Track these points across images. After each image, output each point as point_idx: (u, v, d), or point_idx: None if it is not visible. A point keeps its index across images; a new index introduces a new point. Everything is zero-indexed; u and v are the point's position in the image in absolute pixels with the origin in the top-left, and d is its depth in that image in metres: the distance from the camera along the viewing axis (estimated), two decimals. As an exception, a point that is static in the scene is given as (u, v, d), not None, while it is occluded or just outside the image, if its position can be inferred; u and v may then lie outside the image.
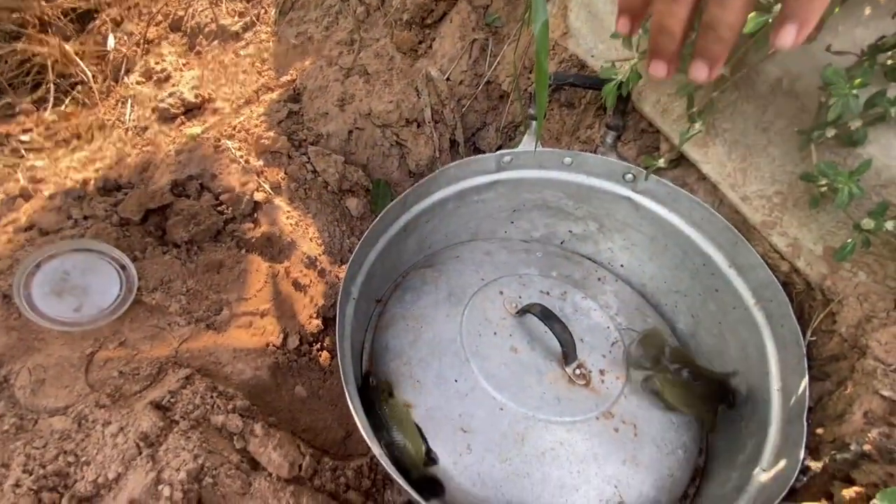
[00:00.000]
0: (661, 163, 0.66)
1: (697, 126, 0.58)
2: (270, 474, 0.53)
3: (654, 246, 0.75)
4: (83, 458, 0.47)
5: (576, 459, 0.50)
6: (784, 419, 0.53)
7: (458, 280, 0.67)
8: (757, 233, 0.61)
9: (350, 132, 0.86)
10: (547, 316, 0.57)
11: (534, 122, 0.73)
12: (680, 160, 0.69)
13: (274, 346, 0.66)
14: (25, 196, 0.74)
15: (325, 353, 0.72)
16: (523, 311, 0.63)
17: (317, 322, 0.72)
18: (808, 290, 0.59)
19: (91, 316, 0.59)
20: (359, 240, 0.75)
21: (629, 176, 0.71)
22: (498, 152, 0.71)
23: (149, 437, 0.49)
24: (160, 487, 0.46)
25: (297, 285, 0.73)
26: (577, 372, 0.59)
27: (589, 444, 0.52)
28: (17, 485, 0.44)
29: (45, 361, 0.54)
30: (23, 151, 0.93)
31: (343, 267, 0.80)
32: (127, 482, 0.46)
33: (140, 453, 0.48)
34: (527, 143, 0.73)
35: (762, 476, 0.50)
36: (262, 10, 1.04)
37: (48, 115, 1.00)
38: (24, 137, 0.95)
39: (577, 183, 0.75)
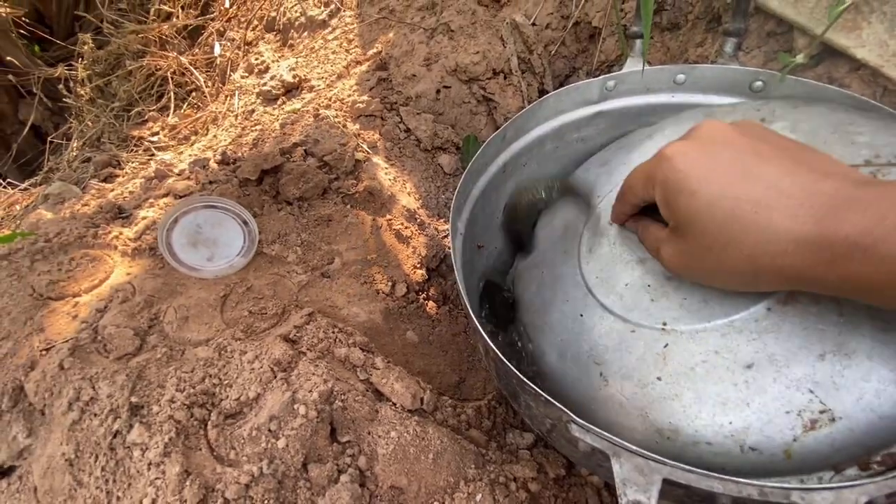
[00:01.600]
0: (801, 58, 0.57)
1: (850, -3, 0.49)
2: (395, 404, 0.52)
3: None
4: (226, 381, 0.50)
5: (739, 367, 0.39)
6: None
7: (571, 211, 0.63)
8: (942, 115, 0.50)
9: (438, 91, 0.86)
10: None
11: (637, 41, 0.67)
12: (822, 54, 0.59)
13: (383, 292, 0.67)
14: (160, 176, 0.82)
15: (430, 303, 0.71)
16: (643, 211, 0.54)
17: (421, 272, 0.72)
18: None
19: (221, 265, 0.63)
20: (453, 194, 0.74)
21: (758, 84, 0.62)
22: (601, 77, 0.66)
23: (281, 363, 0.51)
24: (296, 406, 0.47)
25: (399, 237, 0.73)
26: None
27: (758, 344, 0.38)
28: (171, 400, 0.47)
29: (187, 302, 0.58)
30: (153, 150, 1.05)
31: (441, 220, 0.79)
32: (266, 401, 0.48)
33: (275, 377, 0.50)
34: (631, 65, 0.67)
35: None
36: (345, -3, 1.08)
37: (171, 118, 1.12)
38: (153, 139, 1.08)
39: (693, 104, 0.68)
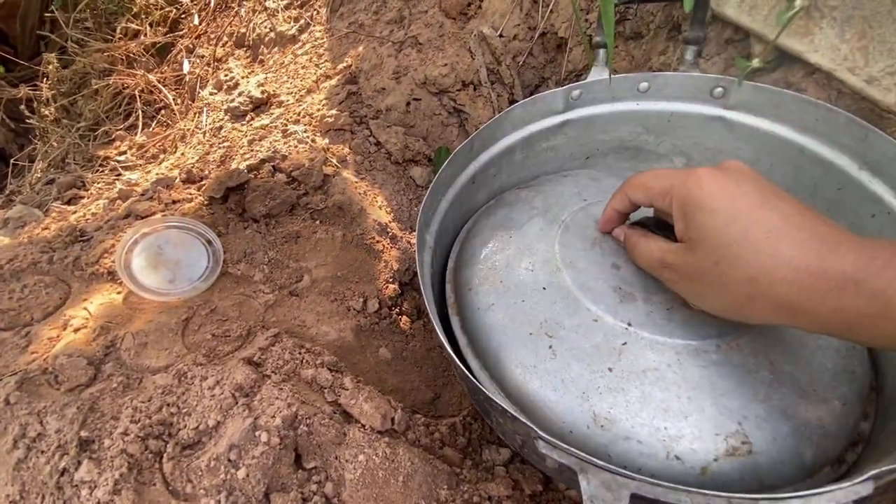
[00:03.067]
0: (757, 62, 0.58)
1: (799, 2, 0.50)
2: (364, 425, 0.50)
3: (757, 169, 0.66)
4: (184, 410, 0.48)
5: (687, 385, 0.41)
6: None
7: (557, 199, 0.61)
8: (893, 117, 0.51)
9: (408, 104, 0.86)
10: (662, 227, 0.47)
11: (601, 51, 0.67)
12: (779, 59, 0.60)
13: (354, 309, 0.65)
14: (123, 197, 0.80)
15: (404, 318, 0.69)
16: (634, 225, 0.54)
17: (394, 287, 0.70)
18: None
19: (183, 287, 0.61)
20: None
21: (718, 90, 0.63)
22: (566, 86, 0.67)
23: (243, 388, 0.49)
24: (258, 433, 0.45)
25: (370, 251, 0.71)
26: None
27: (705, 372, 0.42)
28: (125, 433, 0.45)
29: (146, 327, 0.56)
30: (119, 170, 1.02)
31: (413, 233, 0.78)
32: (226, 429, 0.46)
33: (236, 403, 0.48)
34: (595, 75, 0.68)
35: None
36: (315, 12, 1.08)
37: (138, 137, 1.09)
38: (120, 158, 1.05)
39: (657, 111, 0.69)
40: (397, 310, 0.69)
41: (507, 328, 0.48)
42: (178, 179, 0.77)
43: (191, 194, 0.71)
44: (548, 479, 0.54)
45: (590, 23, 0.80)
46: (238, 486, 0.42)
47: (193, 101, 1.11)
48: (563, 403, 0.43)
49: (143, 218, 0.68)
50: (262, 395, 0.49)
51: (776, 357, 0.44)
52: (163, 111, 1.13)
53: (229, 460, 0.43)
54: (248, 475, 0.43)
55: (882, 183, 0.54)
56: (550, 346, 0.45)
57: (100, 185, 0.98)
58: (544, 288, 0.49)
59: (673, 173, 0.40)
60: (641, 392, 0.42)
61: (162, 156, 1.02)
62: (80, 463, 0.42)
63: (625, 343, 0.44)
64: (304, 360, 0.54)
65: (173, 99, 1.12)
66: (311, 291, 0.65)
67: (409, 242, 0.75)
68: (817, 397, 0.43)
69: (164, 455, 0.44)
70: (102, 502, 0.40)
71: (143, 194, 0.75)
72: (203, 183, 0.72)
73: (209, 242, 0.65)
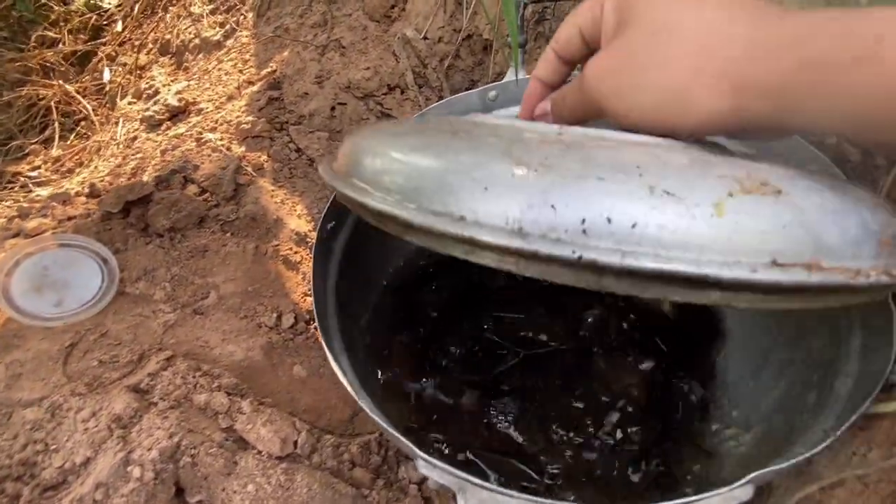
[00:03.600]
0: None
1: None
2: (260, 452, 0.47)
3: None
4: (52, 446, 0.43)
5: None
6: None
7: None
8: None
9: (332, 108, 0.83)
10: None
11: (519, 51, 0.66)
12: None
13: (266, 325, 0.62)
14: (23, 215, 0.74)
15: (325, 332, 0.66)
16: None
17: (311, 299, 0.67)
18: None
19: (72, 310, 0.56)
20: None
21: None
22: (482, 87, 0.65)
23: (122, 419, 0.45)
24: (129, 468, 0.41)
25: (287, 263, 0.68)
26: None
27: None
28: (-22, 477, 0.40)
29: (23, 356, 0.51)
30: (31, 186, 0.96)
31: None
32: (95, 466, 0.42)
33: (111, 435, 0.43)
34: (512, 75, 0.67)
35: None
36: (241, 17, 1.04)
37: (54, 151, 1.03)
38: (33, 174, 0.98)
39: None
40: (315, 324, 0.66)
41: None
42: (76, 194, 0.72)
43: (88, 209, 0.66)
44: (464, 494, 0.52)
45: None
46: (103, 530, 0.38)
47: (113, 112, 1.05)
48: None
49: (31, 237, 0.63)
50: (143, 425, 0.45)
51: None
52: (82, 123, 1.07)
53: (94, 501, 0.39)
54: (114, 517, 0.39)
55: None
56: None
57: (8, 203, 0.91)
58: None
59: None
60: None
61: (78, 170, 0.96)
62: (-86, 517, 0.38)
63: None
64: (199, 385, 0.51)
65: (93, 110, 1.06)
66: (218, 309, 0.61)
67: (331, 252, 0.72)
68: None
69: (21, 499, 0.40)
70: (-68, 561, 0.35)
71: (39, 209, 0.69)
72: (104, 197, 0.68)
73: (104, 261, 0.60)
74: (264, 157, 0.76)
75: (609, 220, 0.24)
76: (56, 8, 1.19)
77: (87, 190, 0.73)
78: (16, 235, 0.65)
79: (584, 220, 0.24)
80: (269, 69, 0.91)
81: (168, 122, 0.87)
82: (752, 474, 0.31)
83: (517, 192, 0.25)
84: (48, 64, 1.12)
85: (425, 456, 0.34)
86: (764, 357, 0.52)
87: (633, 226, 0.24)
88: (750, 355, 0.54)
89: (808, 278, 0.23)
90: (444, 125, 0.36)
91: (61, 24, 1.17)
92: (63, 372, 0.51)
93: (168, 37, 1.12)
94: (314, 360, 0.63)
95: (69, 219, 0.65)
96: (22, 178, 0.97)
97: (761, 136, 0.31)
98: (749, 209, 0.24)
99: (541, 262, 0.25)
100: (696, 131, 0.29)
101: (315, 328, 0.66)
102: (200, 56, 1.04)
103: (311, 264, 0.71)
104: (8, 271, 0.56)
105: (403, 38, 0.83)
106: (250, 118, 0.80)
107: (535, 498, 0.32)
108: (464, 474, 0.33)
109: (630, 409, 0.50)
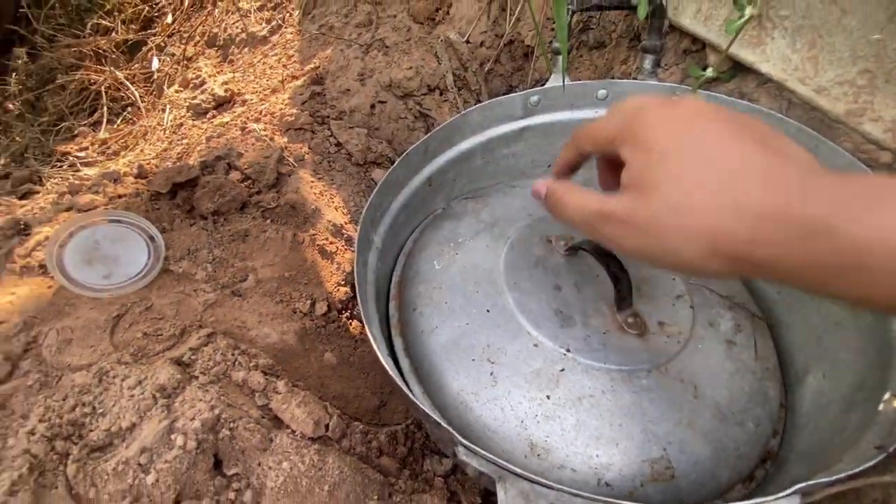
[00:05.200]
0: (710, 72, 0.58)
1: (748, 11, 0.50)
2: (293, 431, 0.48)
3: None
4: (100, 410, 0.45)
5: (619, 412, 0.41)
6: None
7: (505, 213, 0.60)
8: (843, 126, 0.51)
9: (372, 106, 0.85)
10: (602, 253, 0.49)
11: (559, 57, 0.67)
12: (733, 70, 0.60)
13: (301, 311, 0.63)
14: (73, 192, 0.77)
15: (354, 322, 0.67)
16: (575, 249, 0.54)
17: (345, 290, 0.68)
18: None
19: (119, 283, 0.59)
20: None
21: (675, 97, 0.63)
22: (524, 92, 0.66)
23: (166, 389, 0.46)
24: (173, 436, 0.42)
25: (323, 252, 0.70)
26: (630, 321, 0.50)
27: (636, 397, 0.43)
28: (31, 432, 0.42)
29: (73, 323, 0.53)
30: (78, 165, 1.00)
31: (372, 236, 0.77)
32: (140, 431, 0.43)
33: (156, 404, 0.45)
34: (554, 81, 0.67)
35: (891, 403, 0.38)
36: (287, 14, 1.08)
37: (101, 133, 1.07)
38: (81, 154, 1.03)
39: (616, 118, 0.68)
40: (348, 314, 0.67)
41: (450, 354, 0.47)
42: (125, 174, 0.74)
43: (138, 189, 0.68)
44: (488, 492, 0.52)
45: (552, 30, 0.81)
46: (146, 492, 0.40)
47: (160, 99, 1.09)
48: (503, 432, 0.43)
49: (84, 211, 0.66)
50: (185, 396, 0.46)
51: (700, 381, 0.45)
52: (129, 108, 1.11)
53: (139, 464, 0.41)
54: (157, 480, 0.40)
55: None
56: (492, 373, 0.45)
57: (56, 181, 0.95)
58: (488, 311, 0.48)
59: (619, 115, 0.36)
60: (577, 419, 0.42)
61: (123, 152, 1.00)
62: (-26, 464, 0.39)
63: (563, 370, 0.44)
64: (237, 362, 0.52)
65: (140, 96, 1.11)
66: (255, 292, 0.63)
67: (365, 245, 0.74)
68: (734, 420, 0.44)
69: (70, 457, 0.41)
70: (-9, 507, 0.37)
71: (90, 187, 0.72)
72: (152, 179, 0.70)
73: (151, 238, 0.62)
74: (305, 149, 0.78)
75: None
76: (111, -2, 1.24)
77: (135, 171, 0.76)
78: (68, 210, 0.68)
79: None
80: (312, 65, 0.94)
81: (213, 111, 0.90)
82: (799, 485, 0.31)
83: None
84: (101, 51, 1.17)
85: (466, 443, 0.35)
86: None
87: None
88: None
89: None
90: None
91: (115, 13, 1.22)
92: (110, 341, 0.53)
93: (215, 30, 1.16)
94: (344, 348, 0.64)
95: (119, 196, 0.67)
96: (71, 158, 1.01)
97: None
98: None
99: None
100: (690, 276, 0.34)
101: (346, 317, 0.67)
102: (246, 50, 1.08)
103: (345, 255, 0.72)
104: (62, 242, 0.58)
105: (446, 40, 0.85)
106: (293, 111, 0.82)
107: (573, 490, 0.32)
108: (505, 463, 0.33)
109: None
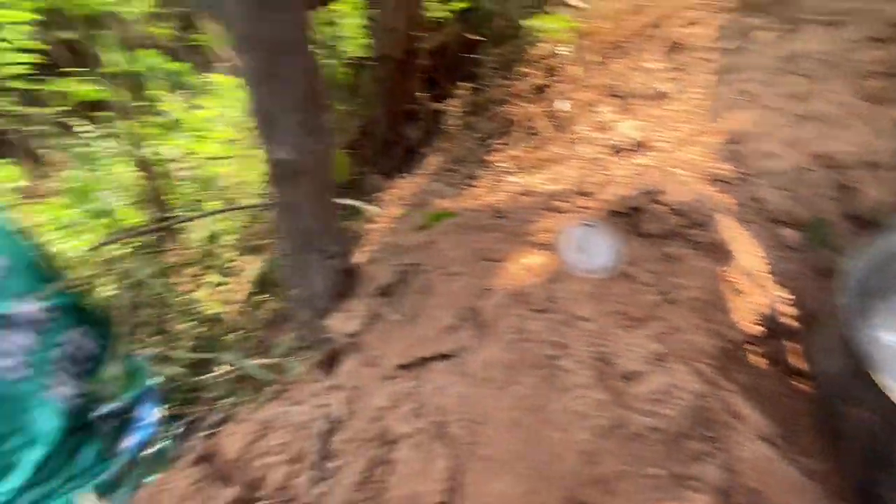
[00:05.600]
0: None
1: None
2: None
3: None
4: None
5: None
6: None
7: None
8: None
9: (794, 171, 0.92)
10: None
11: None
12: None
13: (719, 334, 0.76)
14: (525, 193, 1.09)
15: (761, 356, 0.76)
16: None
17: (759, 328, 0.78)
18: None
19: (592, 271, 0.82)
20: (794, 265, 0.81)
21: None
22: None
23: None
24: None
25: (733, 289, 0.81)
26: None
27: None
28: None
29: (564, 293, 0.78)
30: (500, 173, 1.37)
31: (783, 289, 0.84)
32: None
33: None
34: None
35: None
36: (693, 76, 1.23)
37: (513, 152, 1.44)
38: (502, 164, 1.41)
39: None
40: (751, 346, 0.77)
41: None
42: (565, 192, 1.01)
43: (584, 206, 0.93)
44: None
45: None
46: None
47: (563, 133, 1.40)
48: None
49: (560, 213, 0.93)
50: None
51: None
52: (534, 136, 1.46)
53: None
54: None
55: None
56: None
57: (487, 181, 1.34)
58: None
59: None
60: None
61: (533, 170, 1.32)
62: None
63: None
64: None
65: (543, 129, 1.44)
66: (684, 305, 0.78)
67: (774, 294, 0.82)
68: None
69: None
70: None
71: (552, 196, 1.01)
72: (597, 198, 0.94)
73: (612, 244, 0.85)
74: (725, 199, 0.91)
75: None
76: (530, 51, 1.65)
77: (576, 189, 1.02)
78: (543, 208, 0.97)
79: None
80: (728, 125, 1.06)
81: (627, 152, 1.12)
82: None
83: None
84: (520, 92, 1.57)
85: None
86: None
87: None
88: None
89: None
90: None
91: (533, 63, 1.62)
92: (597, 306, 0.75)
93: (614, 83, 1.41)
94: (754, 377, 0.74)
95: (583, 208, 0.93)
96: (494, 166, 1.40)
97: None
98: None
99: None
100: None
101: (748, 349, 0.77)
102: (646, 102, 1.28)
103: (756, 298, 0.82)
104: (565, 234, 0.85)
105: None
106: (711, 163, 0.96)
107: None
108: None
109: None
